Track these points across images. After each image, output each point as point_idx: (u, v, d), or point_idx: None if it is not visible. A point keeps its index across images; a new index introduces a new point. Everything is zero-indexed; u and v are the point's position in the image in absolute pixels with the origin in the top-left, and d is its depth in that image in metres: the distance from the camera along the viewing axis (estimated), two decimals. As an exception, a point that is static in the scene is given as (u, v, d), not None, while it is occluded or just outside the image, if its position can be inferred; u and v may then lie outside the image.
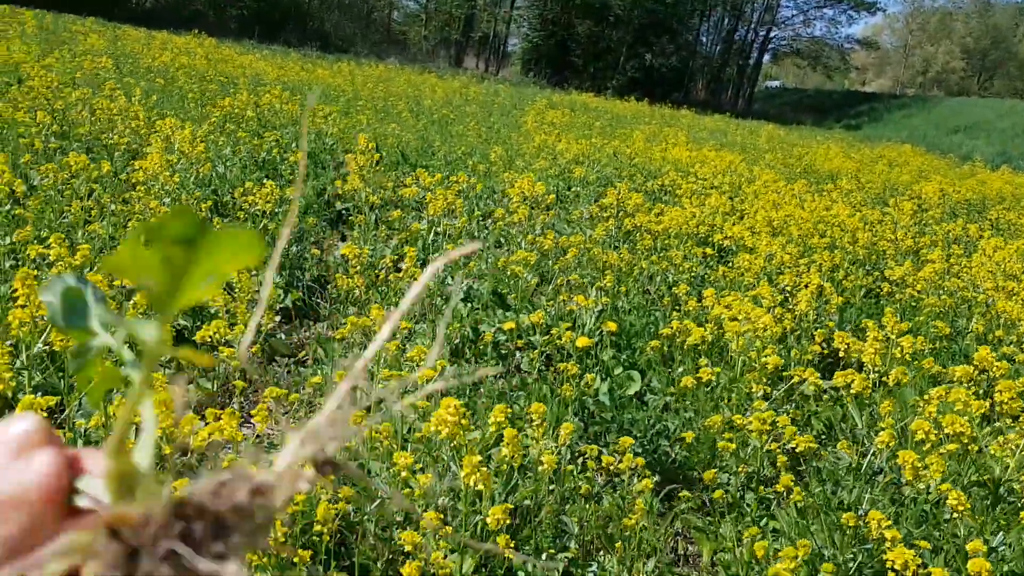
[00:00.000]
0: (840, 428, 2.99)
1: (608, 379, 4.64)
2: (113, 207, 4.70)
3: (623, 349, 5.14)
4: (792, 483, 2.80)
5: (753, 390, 3.50)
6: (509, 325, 4.98)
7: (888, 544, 2.32)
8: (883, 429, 2.55)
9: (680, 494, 3.69)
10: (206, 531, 0.36)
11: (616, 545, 2.70)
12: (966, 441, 2.23)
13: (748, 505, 3.25)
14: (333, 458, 0.37)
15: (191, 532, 0.36)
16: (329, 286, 5.87)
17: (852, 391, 2.57)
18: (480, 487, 2.27)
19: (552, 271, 5.50)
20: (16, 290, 2.60)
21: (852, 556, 2.61)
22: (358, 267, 4.13)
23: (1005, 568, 2.21)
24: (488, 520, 2.32)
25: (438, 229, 5.67)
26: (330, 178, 7.80)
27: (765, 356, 3.10)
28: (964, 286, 5.20)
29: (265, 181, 5.78)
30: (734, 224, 6.05)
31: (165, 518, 0.36)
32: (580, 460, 3.21)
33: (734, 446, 2.94)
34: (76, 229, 4.50)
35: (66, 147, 6.05)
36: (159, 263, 0.33)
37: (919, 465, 2.25)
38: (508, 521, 2.79)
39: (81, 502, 0.38)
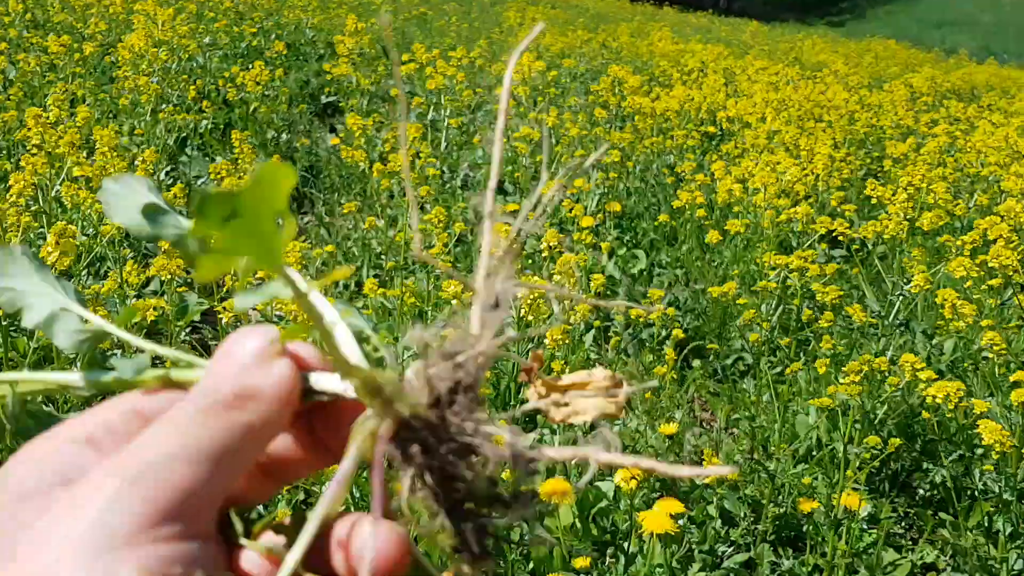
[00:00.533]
0: (866, 286, 2.96)
1: (614, 257, 4.61)
2: (97, 95, 4.51)
3: (626, 231, 5.10)
4: (816, 334, 2.79)
5: (765, 260, 3.46)
6: (512, 207, 4.90)
7: (923, 385, 2.31)
8: (914, 276, 2.51)
9: (693, 362, 3.69)
10: (466, 402, 0.42)
11: (647, 396, 2.69)
12: (1010, 273, 2.20)
13: (762, 370, 3.24)
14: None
15: (453, 404, 0.42)
16: (322, 176, 5.74)
17: (887, 236, 2.52)
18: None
19: (554, 154, 5.38)
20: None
21: (880, 402, 2.62)
22: (362, 141, 3.99)
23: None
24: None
25: (437, 116, 5.51)
26: (313, 69, 7.55)
27: (790, 211, 3.04)
28: (969, 163, 5.16)
29: (253, 64, 5.56)
30: (736, 103, 5.93)
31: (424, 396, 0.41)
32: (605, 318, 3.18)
33: (751, 313, 2.90)
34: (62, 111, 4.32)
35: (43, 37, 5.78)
36: (247, 236, 0.33)
37: (959, 303, 2.22)
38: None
39: (321, 397, 0.43)
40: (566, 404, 0.48)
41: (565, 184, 0.50)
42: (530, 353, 0.48)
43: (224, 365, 0.43)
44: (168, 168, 4.52)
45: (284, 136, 5.86)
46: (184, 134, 5.04)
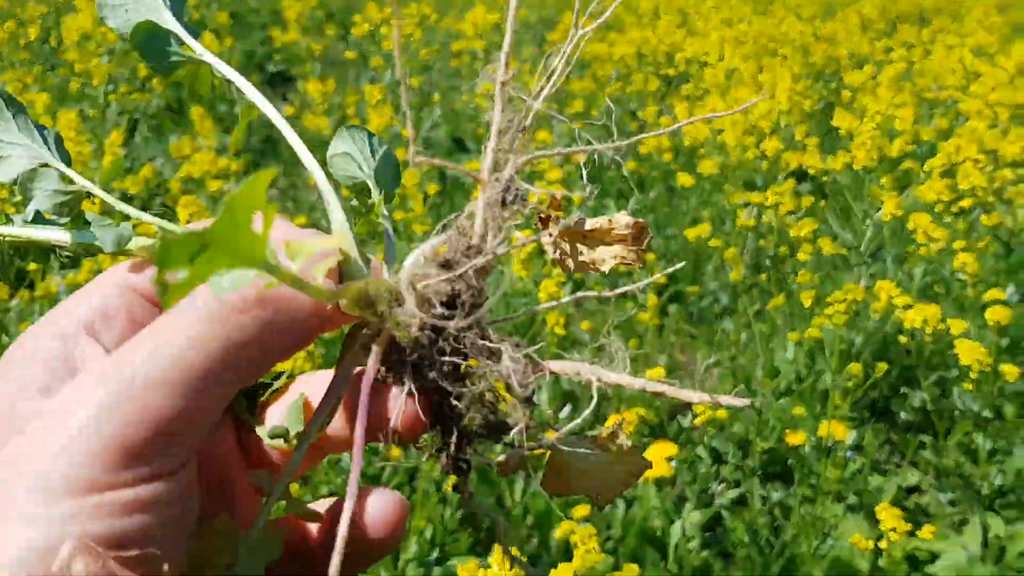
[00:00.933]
0: (835, 218, 2.99)
1: (583, 208, 4.59)
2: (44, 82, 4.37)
3: (592, 181, 5.08)
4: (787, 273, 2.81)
5: (736, 199, 3.47)
6: (474, 166, 4.85)
7: (900, 310, 2.34)
8: (884, 204, 2.53)
9: (669, 307, 3.72)
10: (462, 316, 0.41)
11: (631, 343, 2.71)
12: (980, 194, 2.22)
13: (739, 310, 3.27)
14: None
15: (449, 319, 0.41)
16: (280, 146, 5.63)
17: (857, 165, 2.53)
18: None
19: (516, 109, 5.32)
20: None
21: (858, 331, 2.66)
22: (322, 108, 3.91)
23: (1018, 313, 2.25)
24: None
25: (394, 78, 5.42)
26: (259, 39, 7.37)
27: (763, 145, 3.04)
28: (927, 87, 5.18)
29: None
30: (692, 42, 5.90)
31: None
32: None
33: (733, 251, 2.91)
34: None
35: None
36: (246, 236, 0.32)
37: (930, 227, 2.24)
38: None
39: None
40: (581, 254, 0.46)
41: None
42: (548, 198, 0.46)
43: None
44: (123, 153, 4.41)
45: (236, 109, 5.74)
46: (135, 116, 4.92)
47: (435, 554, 1.92)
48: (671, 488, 2.22)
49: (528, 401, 0.43)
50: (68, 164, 0.47)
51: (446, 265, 0.43)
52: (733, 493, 2.31)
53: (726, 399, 0.45)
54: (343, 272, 0.43)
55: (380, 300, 0.42)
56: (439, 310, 0.42)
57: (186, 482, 0.37)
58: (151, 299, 0.45)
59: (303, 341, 0.40)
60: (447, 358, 0.42)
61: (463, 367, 0.43)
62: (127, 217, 0.47)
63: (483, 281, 0.45)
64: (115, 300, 0.43)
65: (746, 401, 0.45)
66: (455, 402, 0.43)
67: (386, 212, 0.51)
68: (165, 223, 0.47)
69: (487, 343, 0.43)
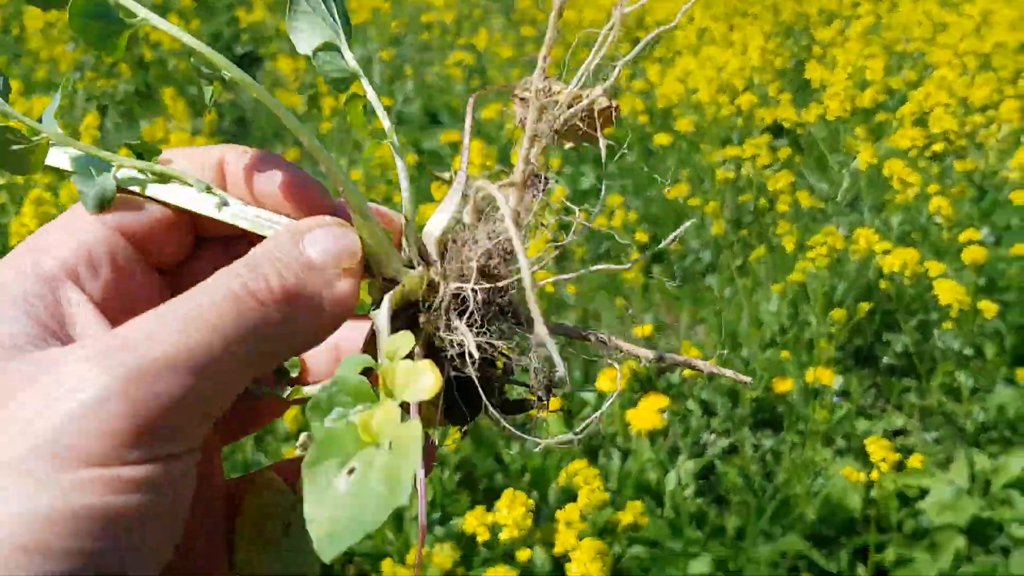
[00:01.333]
0: (811, 171, 3.02)
1: (561, 175, 4.61)
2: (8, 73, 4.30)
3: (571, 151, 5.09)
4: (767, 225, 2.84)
5: (714, 156, 3.50)
6: (451, 137, 4.85)
7: (879, 256, 2.38)
8: (859, 154, 2.56)
9: (652, 268, 3.75)
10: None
11: (617, 302, 2.74)
12: (953, 138, 2.26)
13: (723, 265, 3.30)
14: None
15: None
16: (251, 125, 5.59)
17: (830, 117, 2.56)
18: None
19: (490, 80, 5.32)
20: None
21: (839, 279, 2.70)
22: (295, 86, 3.89)
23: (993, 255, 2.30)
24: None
25: (366, 52, 5.38)
26: (224, 20, 7.27)
27: (737, 100, 3.06)
28: (895, 39, 5.22)
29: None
30: (662, 6, 5.89)
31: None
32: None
33: (713, 205, 2.94)
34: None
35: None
36: None
37: (905, 173, 2.28)
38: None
39: None
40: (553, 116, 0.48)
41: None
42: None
43: (284, 248, 0.39)
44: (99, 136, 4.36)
45: (208, 93, 5.68)
46: (104, 102, 4.86)
47: (437, 514, 1.95)
48: (664, 440, 2.26)
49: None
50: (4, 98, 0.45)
51: (486, 274, 0.44)
52: (724, 442, 2.36)
53: (731, 372, 0.48)
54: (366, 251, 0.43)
55: (413, 294, 0.44)
56: (452, 269, 0.44)
57: (190, 466, 0.36)
58: (136, 242, 0.43)
59: (325, 336, 0.40)
60: (448, 324, 0.44)
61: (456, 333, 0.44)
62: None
63: (500, 247, 0.46)
64: (98, 245, 0.41)
65: (747, 379, 0.47)
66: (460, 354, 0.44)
67: (395, 143, 0.51)
68: (167, 170, 0.45)
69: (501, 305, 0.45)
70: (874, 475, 1.54)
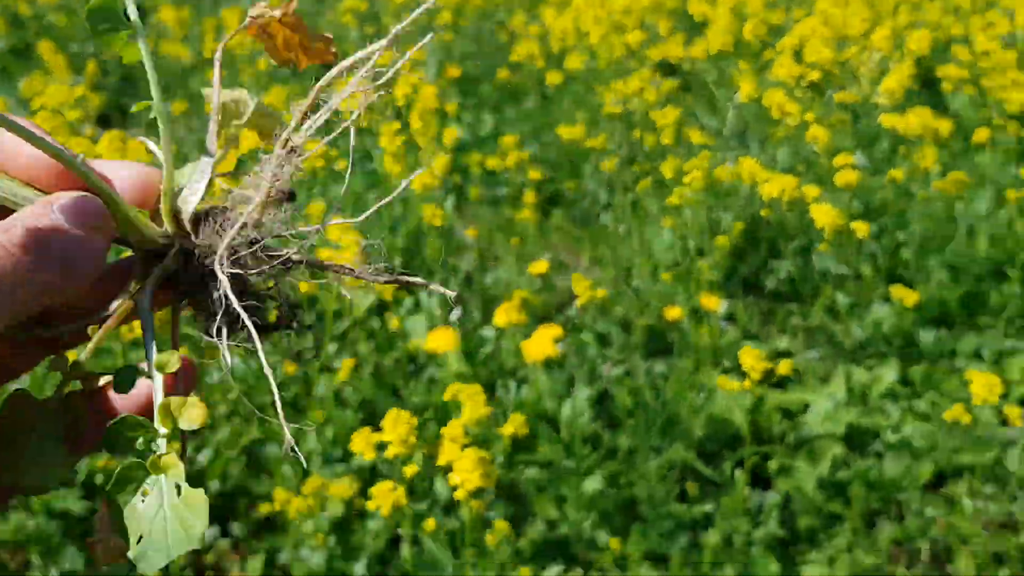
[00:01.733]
0: (702, 105, 3.09)
1: (459, 124, 4.59)
2: None
3: (468, 96, 5.07)
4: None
5: (607, 94, 3.53)
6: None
7: (762, 185, 2.47)
8: (741, 87, 2.64)
9: (552, 212, 3.80)
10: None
11: (512, 241, 2.77)
12: (828, 67, 2.34)
13: (616, 204, 3.36)
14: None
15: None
16: (140, 84, 5.38)
17: (712, 50, 2.63)
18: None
19: (384, 28, 5.23)
20: None
21: (725, 210, 2.79)
22: (182, 33, 3.75)
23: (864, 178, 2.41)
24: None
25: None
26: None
27: (625, 37, 3.10)
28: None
29: None
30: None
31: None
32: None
33: (601, 138, 2.98)
34: None
35: None
36: None
37: (784, 102, 2.36)
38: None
39: None
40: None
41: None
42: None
43: (37, 210, 0.41)
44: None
45: (89, 49, 5.44)
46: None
47: (339, 451, 1.96)
48: (559, 370, 2.31)
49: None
50: None
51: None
52: (619, 370, 2.43)
53: (435, 286, 0.51)
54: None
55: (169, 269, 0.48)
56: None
57: None
58: None
59: (80, 283, 0.41)
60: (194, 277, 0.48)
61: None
62: None
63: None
64: None
65: (453, 292, 0.51)
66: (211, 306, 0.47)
67: (163, 111, 0.50)
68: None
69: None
70: (746, 384, 1.62)
